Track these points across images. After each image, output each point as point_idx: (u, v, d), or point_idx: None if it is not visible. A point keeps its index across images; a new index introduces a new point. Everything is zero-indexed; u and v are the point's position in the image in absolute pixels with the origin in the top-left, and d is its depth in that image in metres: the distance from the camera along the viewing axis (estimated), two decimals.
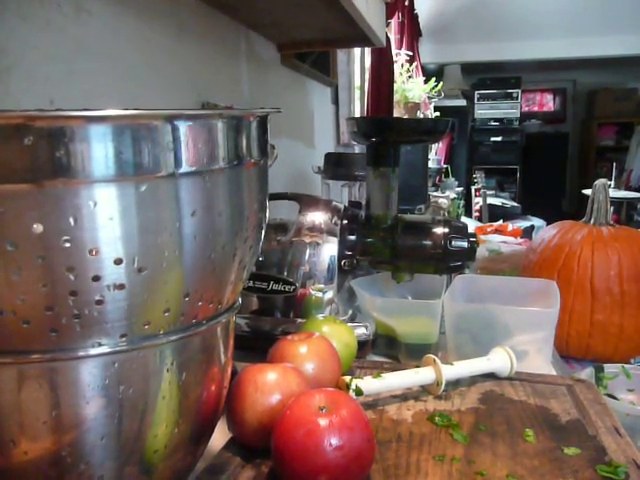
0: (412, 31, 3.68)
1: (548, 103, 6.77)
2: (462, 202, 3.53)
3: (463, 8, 4.61)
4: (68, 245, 0.31)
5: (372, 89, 2.49)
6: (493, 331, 0.71)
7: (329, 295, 0.76)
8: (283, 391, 0.50)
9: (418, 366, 0.64)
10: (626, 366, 0.94)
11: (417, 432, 0.54)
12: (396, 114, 2.84)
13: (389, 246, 0.77)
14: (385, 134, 0.79)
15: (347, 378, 0.59)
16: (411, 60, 3.26)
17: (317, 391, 0.47)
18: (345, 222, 0.78)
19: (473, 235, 0.77)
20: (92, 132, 0.30)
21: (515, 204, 4.56)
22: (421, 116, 3.12)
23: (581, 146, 6.67)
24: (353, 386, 0.58)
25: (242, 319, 0.76)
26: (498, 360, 0.65)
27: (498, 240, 1.70)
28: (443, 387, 0.61)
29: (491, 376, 0.66)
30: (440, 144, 4.00)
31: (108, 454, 0.36)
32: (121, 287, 0.33)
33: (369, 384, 0.59)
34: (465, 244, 0.76)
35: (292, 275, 0.75)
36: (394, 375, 0.61)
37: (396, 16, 3.05)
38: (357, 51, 2.53)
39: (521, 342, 0.71)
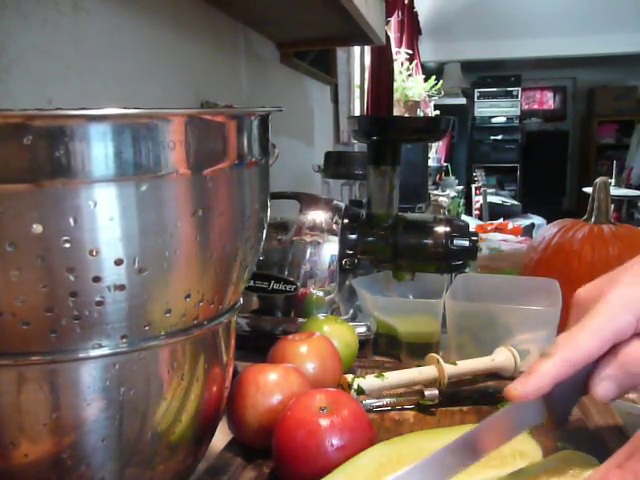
0: (412, 29, 3.68)
1: (548, 101, 6.76)
2: (462, 200, 3.54)
3: (463, 6, 4.62)
4: (68, 246, 0.31)
5: (372, 87, 2.49)
6: (494, 330, 0.70)
7: (330, 294, 0.76)
8: (284, 391, 0.49)
9: (420, 365, 0.64)
10: None
11: None
12: (396, 112, 2.84)
13: (390, 245, 0.77)
14: (386, 133, 0.78)
15: (349, 377, 0.59)
16: (411, 58, 3.26)
17: (318, 391, 0.47)
18: (346, 221, 0.78)
19: (474, 234, 0.77)
20: (92, 131, 0.30)
21: (515, 202, 4.57)
22: (421, 114, 3.12)
23: (581, 144, 6.67)
24: (355, 385, 0.58)
25: (243, 319, 0.76)
26: (502, 360, 0.64)
27: (498, 238, 1.69)
28: (446, 386, 0.61)
29: (494, 375, 0.66)
30: (440, 142, 3.99)
31: (109, 456, 0.36)
32: (121, 288, 0.33)
33: (371, 383, 0.59)
34: (466, 243, 0.75)
35: (293, 274, 0.75)
36: (397, 374, 0.61)
37: (396, 14, 3.05)
38: (357, 50, 2.52)
39: (523, 341, 0.70)
